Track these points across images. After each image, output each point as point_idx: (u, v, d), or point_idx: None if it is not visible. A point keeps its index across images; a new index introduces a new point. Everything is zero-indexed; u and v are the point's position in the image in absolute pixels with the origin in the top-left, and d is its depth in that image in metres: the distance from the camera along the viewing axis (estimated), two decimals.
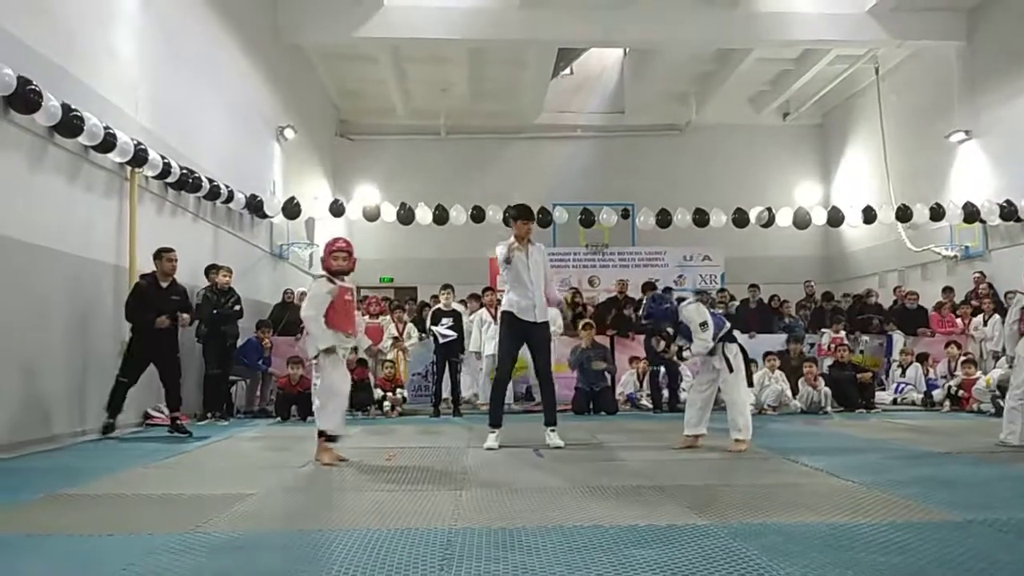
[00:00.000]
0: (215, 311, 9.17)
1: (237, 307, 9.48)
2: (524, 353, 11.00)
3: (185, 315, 7.65)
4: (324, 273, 5.72)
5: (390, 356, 10.58)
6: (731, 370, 6.14)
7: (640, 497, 4.22)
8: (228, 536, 3.41)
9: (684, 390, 10.46)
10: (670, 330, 6.44)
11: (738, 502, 4.04)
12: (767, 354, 10.24)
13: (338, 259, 5.69)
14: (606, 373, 10.15)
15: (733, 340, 6.26)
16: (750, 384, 6.51)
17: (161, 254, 7.63)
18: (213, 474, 5.36)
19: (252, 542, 3.30)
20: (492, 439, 6.38)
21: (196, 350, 9.26)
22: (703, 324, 6.10)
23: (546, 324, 6.59)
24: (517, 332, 6.50)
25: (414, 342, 11.04)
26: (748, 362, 6.34)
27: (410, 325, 11.14)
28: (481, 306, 10.69)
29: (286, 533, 3.47)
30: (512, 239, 6.54)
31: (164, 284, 7.58)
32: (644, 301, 6.51)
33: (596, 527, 3.45)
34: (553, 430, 6.49)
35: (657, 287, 10.90)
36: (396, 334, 10.86)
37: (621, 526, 3.48)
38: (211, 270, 9.43)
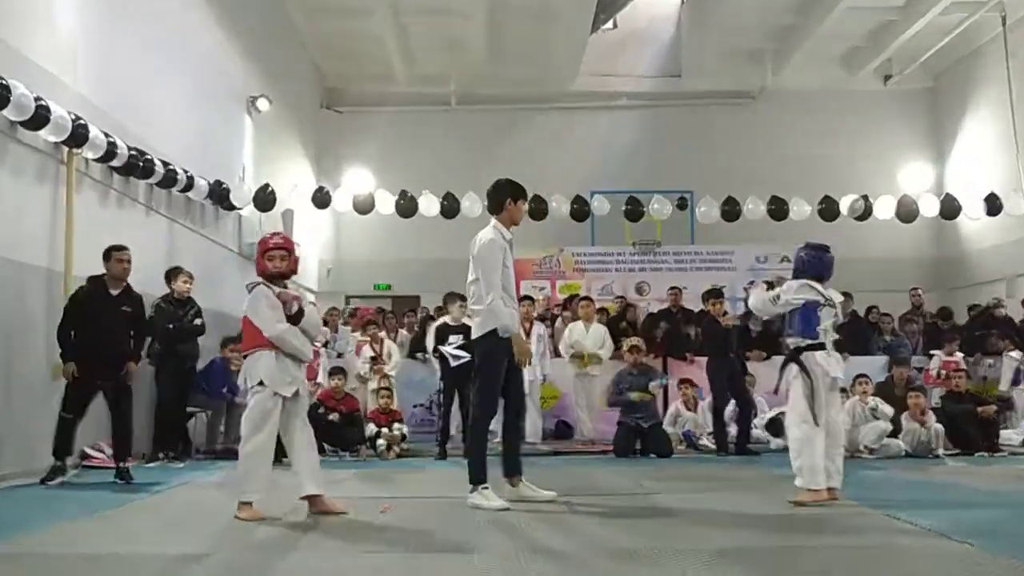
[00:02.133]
0: (171, 325, 9.25)
1: (198, 321, 9.56)
2: (555, 379, 11.22)
3: (133, 364, 7.66)
4: (259, 280, 5.75)
5: (373, 384, 10.63)
6: (775, 392, 6.36)
7: (697, 562, 4.19)
8: None
9: (757, 427, 10.43)
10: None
11: (820, 569, 4.01)
12: (859, 376, 10.13)
13: (274, 259, 5.75)
14: (653, 402, 10.14)
15: (794, 359, 6.22)
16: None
17: (111, 253, 7.67)
18: (164, 529, 5.40)
19: None
20: (489, 496, 5.90)
21: (147, 374, 9.36)
22: (775, 298, 6.26)
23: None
24: (505, 356, 6.15)
25: (395, 363, 11.08)
26: (844, 390, 6.39)
27: (390, 343, 11.19)
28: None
29: None
30: (498, 234, 6.19)
31: (115, 291, 7.64)
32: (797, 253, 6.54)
33: None
34: (522, 479, 6.23)
35: (724, 296, 10.86)
36: (372, 355, 10.89)
37: None
38: (172, 274, 9.51)
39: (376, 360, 10.90)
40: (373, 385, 10.70)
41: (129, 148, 9.14)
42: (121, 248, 7.71)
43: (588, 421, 10.99)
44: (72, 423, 7.36)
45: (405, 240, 16.76)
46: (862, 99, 18.47)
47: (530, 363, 6.48)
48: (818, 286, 6.20)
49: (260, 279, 5.76)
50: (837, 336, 6.39)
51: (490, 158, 17.40)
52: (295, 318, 5.63)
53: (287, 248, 5.82)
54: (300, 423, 5.67)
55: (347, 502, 5.82)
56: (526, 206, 6.50)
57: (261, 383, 5.51)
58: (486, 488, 5.96)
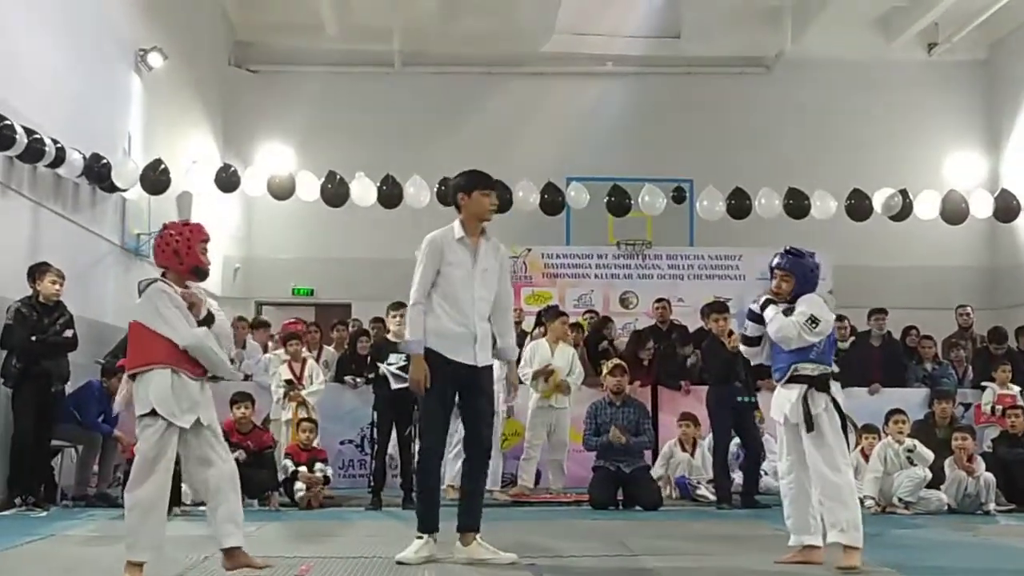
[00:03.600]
0: (33, 337, 9.13)
1: (68, 332, 9.45)
2: (521, 414, 11.20)
3: None
4: (157, 277, 5.69)
5: (288, 414, 10.55)
6: (809, 429, 6.07)
7: None
8: None
9: (767, 472, 10.51)
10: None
11: None
12: (894, 412, 10.25)
13: (206, 252, 5.73)
14: (636, 445, 10.18)
15: (825, 388, 6.23)
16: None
17: None
18: None
19: None
20: (416, 547, 6.24)
21: (0, 398, 9.23)
22: (813, 319, 6.14)
23: (490, 369, 6.56)
24: (448, 381, 6.33)
25: (319, 387, 11.00)
26: (846, 426, 6.32)
27: (313, 363, 11.09)
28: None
29: None
30: (447, 231, 6.42)
31: None
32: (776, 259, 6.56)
33: None
34: (477, 537, 6.29)
35: (729, 309, 10.94)
36: (289, 376, 10.79)
37: None
38: (37, 273, 9.36)
39: (293, 384, 10.80)
40: (288, 415, 10.60)
41: None
42: None
43: (542, 467, 10.87)
44: None
45: (333, 234, 16.69)
46: (901, 71, 18.55)
47: (425, 390, 6.39)
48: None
49: (159, 277, 5.67)
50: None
51: (441, 134, 17.43)
52: (203, 324, 5.55)
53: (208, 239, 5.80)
54: (214, 457, 5.52)
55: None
56: (488, 196, 6.49)
57: (152, 412, 5.36)
58: (420, 538, 6.25)
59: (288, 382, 10.78)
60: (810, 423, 6.03)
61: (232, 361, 10.89)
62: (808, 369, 6.19)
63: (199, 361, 5.45)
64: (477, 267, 6.36)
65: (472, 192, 6.47)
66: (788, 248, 6.59)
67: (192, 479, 5.65)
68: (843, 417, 6.28)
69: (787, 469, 6.29)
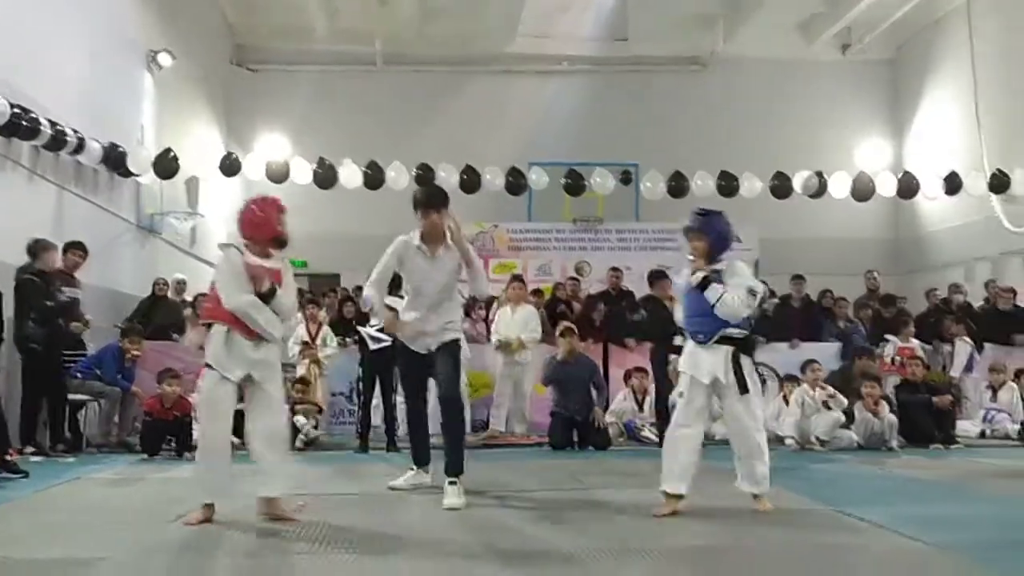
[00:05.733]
0: (49, 303, 8.97)
1: (67, 296, 9.35)
2: (489, 368, 11.21)
3: None
4: (235, 244, 5.53)
5: (300, 370, 10.55)
6: (743, 391, 5.74)
7: (632, 562, 4.25)
8: None
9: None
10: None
11: (765, 570, 4.09)
12: (810, 362, 10.38)
13: (284, 223, 5.60)
14: (595, 397, 10.21)
15: (750, 352, 5.97)
16: None
17: None
18: (52, 530, 5.28)
19: None
20: (407, 476, 6.71)
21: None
22: (751, 290, 5.74)
23: (450, 344, 6.48)
24: (410, 358, 6.63)
25: (333, 351, 10.99)
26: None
27: (327, 328, 11.08)
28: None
29: None
30: (409, 236, 6.48)
31: None
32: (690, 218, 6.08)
33: None
34: (453, 483, 6.18)
35: (670, 277, 10.95)
36: (306, 338, 10.79)
37: None
38: (38, 247, 9.14)
39: (308, 345, 10.78)
40: (302, 371, 10.59)
41: (12, 105, 8.93)
42: None
43: (509, 414, 10.90)
44: None
45: (324, 213, 16.54)
46: (819, 69, 18.66)
47: (398, 332, 6.65)
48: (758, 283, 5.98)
49: (235, 244, 5.54)
50: None
51: (418, 125, 17.39)
52: (265, 297, 5.41)
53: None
54: (264, 411, 5.42)
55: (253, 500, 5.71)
56: (431, 216, 6.37)
57: (209, 364, 5.35)
58: (412, 470, 6.74)
59: (304, 343, 10.77)
60: (744, 385, 5.71)
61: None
62: (735, 333, 5.79)
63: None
64: (432, 272, 6.40)
65: (417, 211, 6.45)
66: (696, 209, 6.20)
67: (248, 426, 5.52)
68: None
69: (685, 421, 5.79)
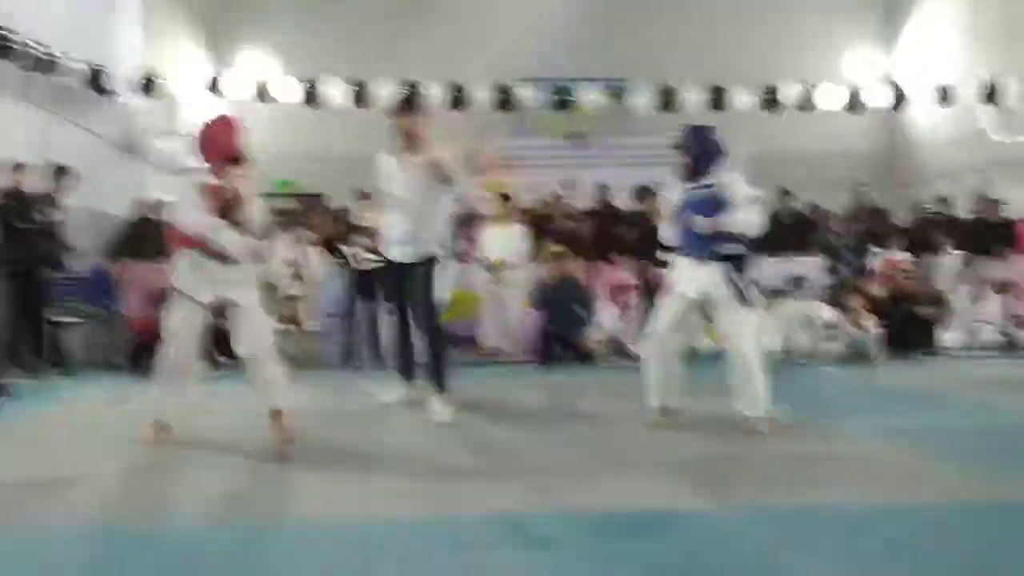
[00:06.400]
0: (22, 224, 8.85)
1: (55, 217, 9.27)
2: (475, 287, 11.17)
3: None
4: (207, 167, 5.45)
5: (294, 290, 10.52)
6: (743, 303, 5.62)
7: (624, 474, 4.27)
8: (54, 534, 3.41)
9: None
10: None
11: (753, 478, 4.13)
12: (799, 280, 10.41)
13: (239, 140, 5.51)
14: (583, 316, 10.20)
15: (743, 267, 5.85)
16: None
17: None
18: (37, 450, 5.32)
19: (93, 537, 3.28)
20: (396, 393, 6.84)
21: None
22: (756, 199, 5.76)
23: (426, 263, 6.48)
24: (389, 273, 6.81)
25: (316, 271, 10.88)
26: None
27: (311, 248, 10.99)
28: None
29: (131, 529, 3.45)
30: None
31: None
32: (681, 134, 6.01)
33: (566, 515, 3.53)
34: (439, 397, 6.35)
35: (656, 193, 10.86)
36: (290, 257, 10.71)
37: (597, 513, 3.54)
38: (15, 169, 9.05)
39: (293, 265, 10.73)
40: (296, 291, 10.53)
41: None
42: None
43: (495, 333, 10.88)
44: None
45: (310, 134, 16.34)
46: None
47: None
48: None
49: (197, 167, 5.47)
50: None
51: (405, 41, 16.98)
52: (227, 216, 5.34)
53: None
54: (243, 330, 5.31)
55: (246, 417, 5.71)
56: (397, 120, 6.70)
57: (177, 289, 5.33)
58: (400, 386, 6.87)
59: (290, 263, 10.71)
60: (743, 298, 5.62)
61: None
62: (733, 249, 5.74)
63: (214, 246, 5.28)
64: (407, 179, 6.46)
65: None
66: (692, 125, 6.21)
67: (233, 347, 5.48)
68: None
69: (665, 333, 5.74)
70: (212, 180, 5.38)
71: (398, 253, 6.55)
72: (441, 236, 6.62)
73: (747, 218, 5.65)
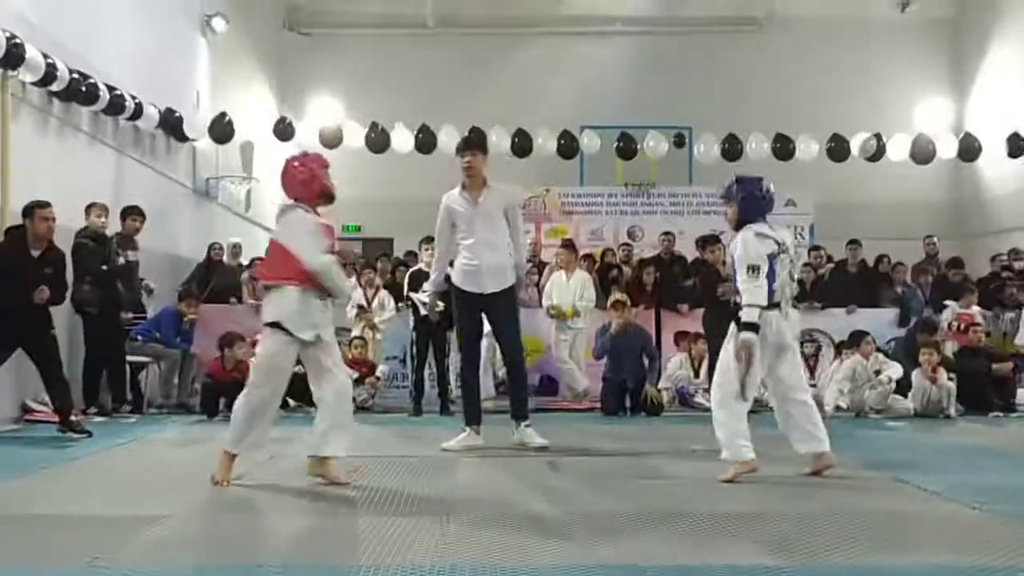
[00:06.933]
0: (104, 266, 9.06)
1: (123, 259, 9.47)
2: (538, 331, 11.19)
3: (46, 289, 7.39)
4: (300, 203, 5.45)
5: (355, 331, 10.64)
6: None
7: (690, 528, 4.26)
8: (133, 571, 3.46)
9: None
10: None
11: (824, 537, 4.08)
12: (862, 334, 10.29)
13: (329, 177, 5.52)
14: (647, 366, 10.18)
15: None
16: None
17: (33, 211, 7.45)
18: (115, 489, 5.42)
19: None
20: (460, 438, 6.86)
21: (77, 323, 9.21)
22: (752, 268, 5.50)
23: (506, 292, 6.89)
24: (470, 307, 6.97)
25: (390, 315, 11.02)
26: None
27: (384, 292, 11.11)
28: None
29: (213, 568, 3.52)
30: (457, 188, 6.91)
31: (36, 251, 7.49)
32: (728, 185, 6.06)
33: (630, 568, 3.49)
34: (528, 425, 6.97)
35: (722, 241, 10.84)
36: (363, 302, 10.85)
37: (664, 567, 3.53)
38: (90, 209, 9.21)
39: (364, 309, 10.84)
40: (357, 332, 10.65)
41: (71, 71, 9.01)
42: (44, 205, 7.50)
43: (577, 373, 10.86)
44: None
45: (377, 178, 16.62)
46: (877, 28, 18.30)
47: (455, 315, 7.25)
48: (768, 229, 5.69)
49: (301, 202, 5.44)
50: (795, 285, 5.92)
51: (470, 89, 17.32)
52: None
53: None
54: (331, 369, 5.35)
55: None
56: (465, 158, 6.92)
57: (276, 324, 5.25)
58: (463, 431, 6.92)
59: (360, 307, 10.82)
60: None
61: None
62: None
63: (323, 284, 5.31)
64: (477, 215, 6.81)
65: (457, 156, 7.04)
66: (736, 176, 6.08)
67: (313, 388, 5.45)
68: None
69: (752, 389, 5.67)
70: (320, 218, 5.43)
71: (479, 285, 6.80)
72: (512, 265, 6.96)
73: (743, 284, 5.55)
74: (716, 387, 5.77)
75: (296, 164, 5.55)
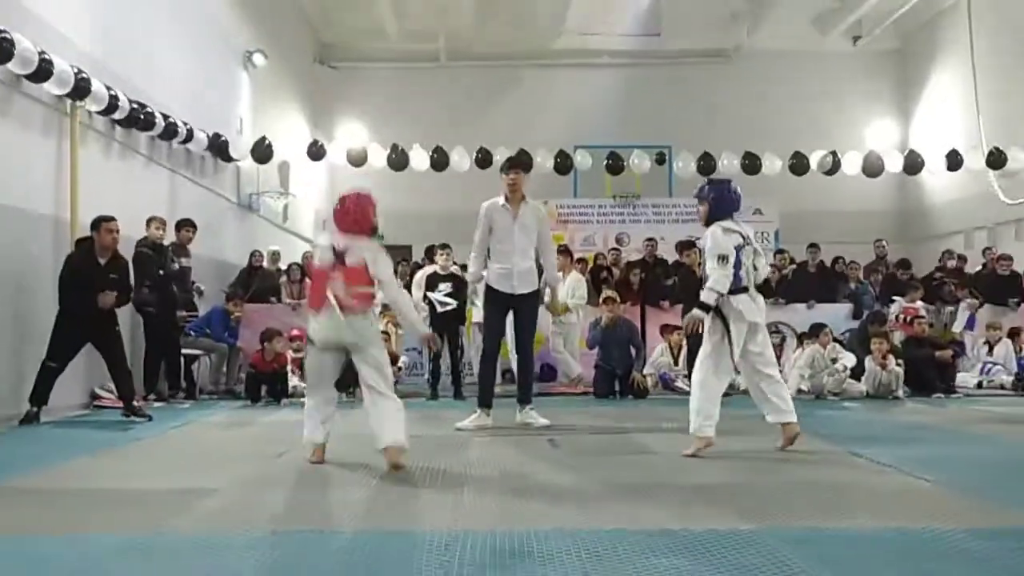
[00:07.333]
0: (161, 271, 9.09)
1: (177, 265, 9.51)
2: (540, 325, 11.17)
3: (111, 294, 7.40)
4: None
5: (380, 326, 10.62)
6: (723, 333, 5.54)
7: (672, 497, 4.26)
8: (193, 538, 3.49)
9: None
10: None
11: (787, 503, 4.09)
12: (820, 327, 10.28)
13: (376, 214, 5.46)
14: (634, 355, 10.15)
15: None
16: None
17: (99, 224, 7.48)
18: (172, 465, 5.44)
19: (220, 544, 3.38)
20: (473, 418, 6.91)
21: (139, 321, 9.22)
22: (721, 257, 5.48)
23: (531, 295, 7.02)
24: (500, 305, 7.05)
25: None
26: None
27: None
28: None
29: (259, 535, 3.53)
30: (500, 200, 6.94)
31: (103, 259, 7.50)
32: (703, 188, 5.90)
33: (618, 532, 3.50)
34: (531, 408, 7.13)
35: (697, 245, 10.83)
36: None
37: (649, 531, 3.52)
38: (151, 222, 9.24)
39: (388, 309, 10.81)
40: (380, 327, 10.62)
41: (130, 101, 9.06)
42: (109, 219, 7.51)
43: (572, 362, 10.85)
44: (55, 372, 7.22)
45: (397, 193, 16.58)
46: (832, 59, 18.42)
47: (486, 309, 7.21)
48: (734, 225, 5.67)
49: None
50: (758, 273, 5.78)
51: (478, 114, 17.43)
52: None
53: None
54: (365, 374, 5.14)
55: (340, 441, 5.74)
56: (505, 176, 7.00)
57: (309, 340, 5.25)
58: (474, 413, 6.98)
59: (384, 305, 10.76)
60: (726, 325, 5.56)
61: None
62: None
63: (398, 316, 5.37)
64: (515, 227, 6.89)
65: (502, 172, 7.10)
66: (709, 178, 6.22)
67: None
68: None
69: (727, 370, 5.68)
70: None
71: (513, 286, 6.89)
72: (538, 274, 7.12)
73: (711, 271, 5.51)
74: (695, 372, 5.77)
75: (349, 203, 5.40)
